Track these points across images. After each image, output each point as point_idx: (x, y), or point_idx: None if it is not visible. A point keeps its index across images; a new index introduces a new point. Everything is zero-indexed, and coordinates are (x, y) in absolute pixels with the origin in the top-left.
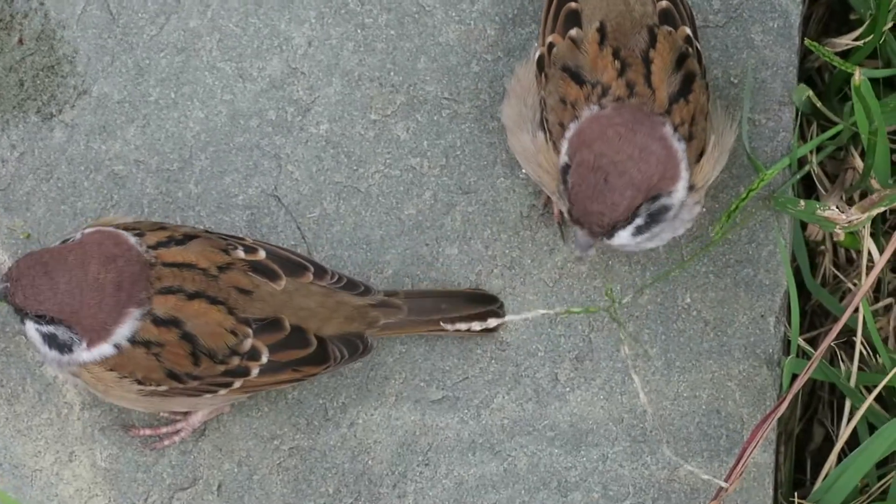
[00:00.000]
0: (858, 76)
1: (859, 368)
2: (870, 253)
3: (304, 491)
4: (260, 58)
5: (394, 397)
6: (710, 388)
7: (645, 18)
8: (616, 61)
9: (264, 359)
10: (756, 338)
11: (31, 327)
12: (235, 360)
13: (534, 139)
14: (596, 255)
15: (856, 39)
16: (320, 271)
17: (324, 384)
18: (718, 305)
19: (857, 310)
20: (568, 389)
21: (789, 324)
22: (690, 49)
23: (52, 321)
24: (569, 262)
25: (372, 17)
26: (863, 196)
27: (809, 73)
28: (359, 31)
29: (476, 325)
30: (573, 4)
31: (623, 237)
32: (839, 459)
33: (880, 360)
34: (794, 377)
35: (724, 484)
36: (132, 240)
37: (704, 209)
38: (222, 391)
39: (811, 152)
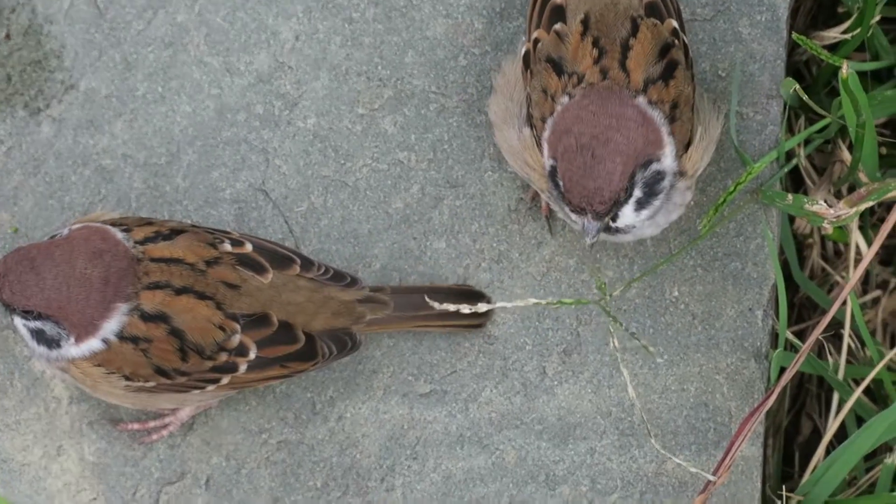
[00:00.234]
0: (846, 69)
1: (847, 361)
2: (858, 246)
3: (293, 485)
4: (247, 52)
5: (382, 391)
6: (698, 381)
7: (630, 10)
8: (594, 50)
9: (252, 355)
10: (744, 331)
11: (19, 322)
12: (223, 356)
13: (520, 135)
14: (582, 251)
15: (843, 32)
16: (307, 264)
17: (311, 378)
18: (706, 299)
19: (845, 302)
20: (556, 383)
21: (777, 317)
22: (677, 41)
23: (39, 316)
24: (557, 255)
25: (359, 12)
26: (851, 189)
27: (797, 66)
28: (346, 25)
29: (465, 308)
30: (558, 0)
31: (627, 215)
32: (827, 452)
33: (868, 353)
34: (782, 370)
35: (712, 477)
36: (119, 235)
37: (693, 201)
38: (210, 387)
39: (799, 145)
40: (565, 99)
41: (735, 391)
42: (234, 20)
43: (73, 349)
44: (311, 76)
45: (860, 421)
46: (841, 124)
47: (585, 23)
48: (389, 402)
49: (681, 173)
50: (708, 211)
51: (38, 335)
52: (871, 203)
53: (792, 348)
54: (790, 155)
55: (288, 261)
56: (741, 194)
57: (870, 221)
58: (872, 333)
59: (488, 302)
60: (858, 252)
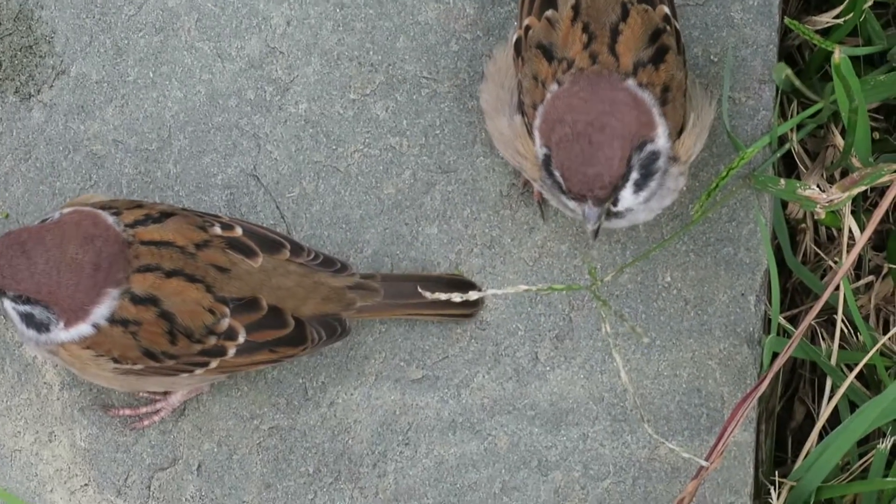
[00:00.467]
0: (838, 54)
1: (840, 347)
2: (850, 231)
3: (284, 470)
4: (238, 37)
5: (374, 377)
6: (691, 366)
7: None
8: (584, 35)
9: (241, 339)
10: (736, 316)
11: (9, 306)
12: (212, 340)
13: (511, 123)
14: (574, 236)
15: (836, 17)
16: (297, 249)
17: (303, 364)
18: (699, 284)
19: (837, 288)
20: (548, 368)
21: (770, 302)
22: (668, 27)
23: (29, 301)
24: (549, 240)
25: None
26: (844, 174)
27: (790, 51)
28: (337, 10)
29: (456, 297)
30: None
31: (627, 198)
32: (820, 438)
33: (861, 339)
34: (775, 356)
35: (704, 462)
36: (110, 219)
37: (686, 187)
38: (199, 371)
39: (791, 130)
40: (555, 86)
41: (727, 376)
42: (226, 5)
43: (62, 333)
44: (302, 61)
45: (853, 406)
46: (833, 109)
47: (576, 8)
48: (381, 387)
49: (674, 159)
50: (700, 196)
51: (28, 319)
52: (863, 188)
53: (784, 334)
54: (783, 140)
55: (278, 245)
56: (733, 179)
57: (862, 206)
58: (865, 319)
59: (479, 291)
60: (851, 237)
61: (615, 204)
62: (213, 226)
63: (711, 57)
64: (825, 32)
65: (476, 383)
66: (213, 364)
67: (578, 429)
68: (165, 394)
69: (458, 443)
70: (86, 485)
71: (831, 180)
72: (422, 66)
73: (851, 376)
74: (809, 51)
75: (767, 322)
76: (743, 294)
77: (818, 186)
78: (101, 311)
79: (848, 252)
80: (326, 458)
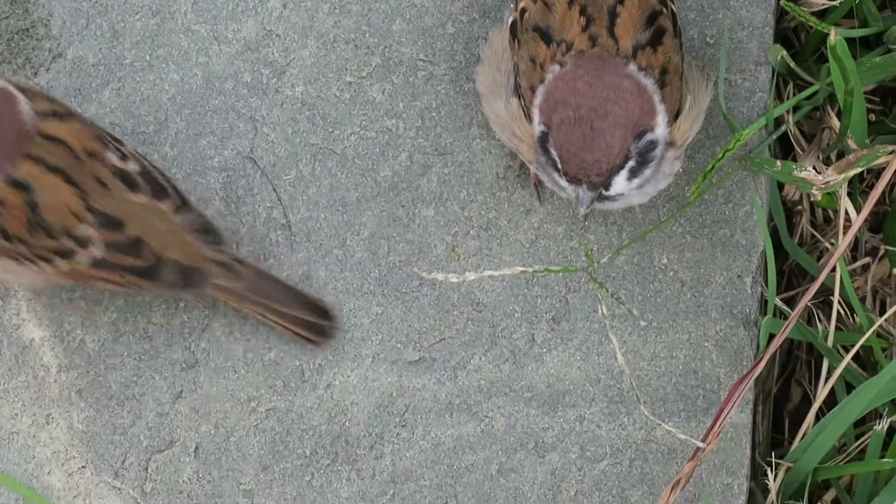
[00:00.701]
0: (834, 36)
1: (837, 328)
2: (847, 213)
3: (282, 452)
4: (235, 20)
5: (370, 359)
6: (687, 348)
7: None
8: (582, 17)
9: (97, 252)
10: (733, 298)
11: None
12: (69, 243)
13: (507, 106)
14: (571, 219)
15: None
16: (185, 207)
17: (300, 345)
18: (695, 266)
19: (834, 269)
20: (545, 350)
21: (766, 284)
22: (665, 10)
23: None
24: (545, 223)
25: None
26: (840, 156)
27: (786, 32)
28: None
29: (303, 332)
30: None
31: (620, 184)
32: (817, 419)
33: (857, 320)
34: (772, 337)
35: (701, 444)
36: (24, 105)
37: (682, 169)
38: (47, 267)
39: (788, 112)
40: (556, 67)
41: (724, 358)
42: None
43: None
44: (298, 44)
45: (850, 388)
46: (829, 91)
47: None
48: (378, 369)
49: (671, 144)
50: (696, 178)
51: None
52: (859, 169)
53: (781, 315)
54: (779, 122)
55: (165, 193)
56: (730, 161)
57: (859, 188)
58: (862, 300)
59: (332, 326)
60: (848, 219)
61: (607, 188)
62: (110, 149)
63: (707, 39)
64: (821, 14)
65: (473, 365)
66: (64, 267)
67: (575, 410)
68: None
69: (455, 425)
70: (83, 467)
71: (827, 162)
72: (418, 49)
73: (848, 358)
74: (805, 33)
75: (764, 303)
76: (739, 276)
77: (814, 168)
78: None
79: (844, 234)
80: (323, 439)
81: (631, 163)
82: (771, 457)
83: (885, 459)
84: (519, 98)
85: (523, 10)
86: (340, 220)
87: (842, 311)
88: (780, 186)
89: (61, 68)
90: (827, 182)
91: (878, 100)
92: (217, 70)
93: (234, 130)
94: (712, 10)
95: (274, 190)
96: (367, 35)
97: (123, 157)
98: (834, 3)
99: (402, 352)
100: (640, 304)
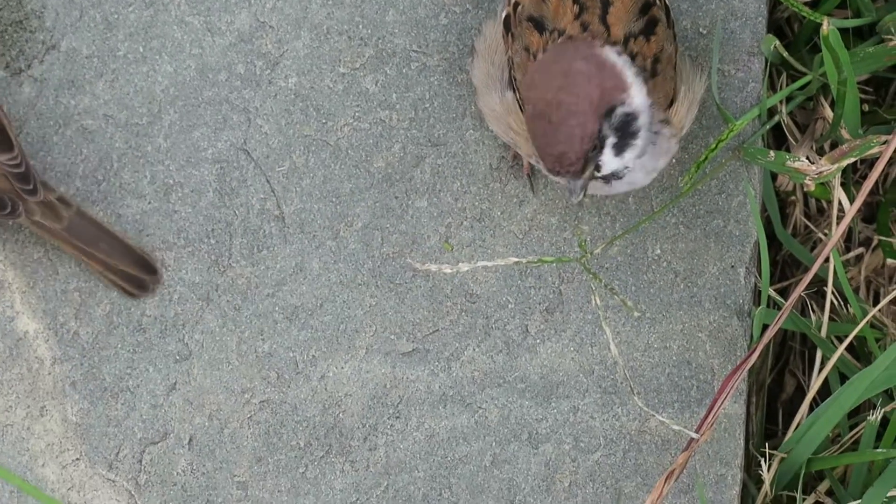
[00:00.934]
0: (827, 26)
1: (830, 318)
2: (840, 203)
3: (275, 444)
4: (228, 11)
5: (364, 350)
6: (681, 338)
7: None
8: (575, 6)
9: None
10: (726, 288)
11: None
12: None
13: (502, 99)
14: (564, 209)
15: None
16: (6, 146)
17: (294, 337)
18: (688, 256)
19: (827, 260)
20: (538, 341)
21: (759, 274)
22: (658, 1)
23: None
24: (539, 213)
25: None
26: (833, 146)
27: (779, 23)
28: None
29: (122, 283)
30: None
31: (610, 162)
32: (811, 410)
33: (851, 310)
34: (765, 327)
35: (695, 435)
36: None
37: (676, 159)
38: None
39: (781, 102)
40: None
41: (718, 348)
42: None
43: None
44: (292, 35)
45: (843, 378)
46: (823, 81)
47: None
48: (372, 361)
49: (666, 121)
50: (690, 168)
51: None
52: (852, 160)
53: (774, 306)
54: (772, 112)
55: None
56: (723, 151)
57: (852, 178)
58: (855, 290)
59: (155, 281)
60: (841, 209)
61: (598, 170)
62: None
63: (700, 29)
64: (814, 4)
65: (466, 356)
66: None
67: (569, 401)
68: None
69: (449, 416)
70: (77, 459)
71: (821, 152)
72: (411, 40)
73: (842, 348)
74: (798, 23)
75: (757, 294)
76: (733, 266)
77: (807, 158)
78: None
79: (838, 224)
80: (317, 431)
81: (611, 139)
82: (765, 447)
83: (878, 450)
84: (514, 91)
85: (516, 4)
86: (334, 212)
87: (835, 302)
88: (774, 177)
89: (55, 60)
90: (820, 172)
91: (871, 90)
92: (210, 61)
93: (227, 122)
94: (705, 0)
95: (267, 181)
96: (361, 26)
97: None
98: None
99: (396, 343)
100: (633, 294)
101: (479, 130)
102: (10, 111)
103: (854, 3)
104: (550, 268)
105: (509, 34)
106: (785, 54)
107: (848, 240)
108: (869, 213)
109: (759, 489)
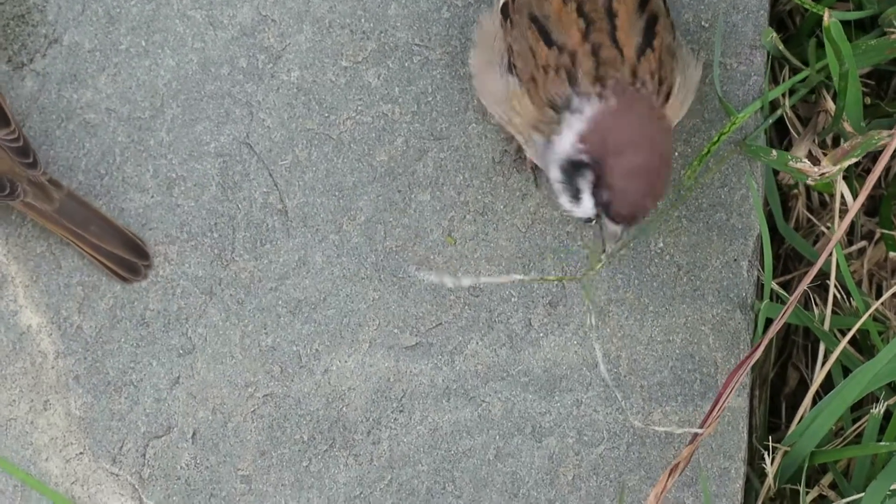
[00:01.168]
0: (828, 18)
1: (833, 312)
2: (843, 197)
3: (279, 438)
4: (230, 5)
5: (367, 344)
6: (684, 332)
7: None
8: (580, 19)
9: None
10: (729, 282)
11: None
12: None
13: (504, 82)
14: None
15: None
16: (2, 119)
17: (297, 331)
18: (691, 250)
19: (830, 253)
20: (542, 335)
21: (762, 267)
22: None
23: None
24: (542, 207)
25: None
26: (836, 139)
27: (781, 16)
28: None
29: (113, 266)
30: None
31: None
32: (814, 403)
33: (854, 304)
34: (769, 321)
35: (699, 430)
36: None
37: (677, 153)
38: None
39: (783, 95)
40: (591, 101)
41: (721, 342)
42: None
43: None
44: (294, 29)
45: (846, 372)
46: (825, 74)
47: None
48: (375, 354)
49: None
50: (692, 162)
51: None
52: (854, 159)
53: (777, 299)
54: (774, 105)
55: None
56: (725, 145)
57: (855, 172)
58: (858, 284)
59: (147, 265)
60: (844, 203)
61: None
62: None
63: (702, 23)
64: None
65: (470, 350)
66: None
67: (572, 395)
68: None
69: (453, 409)
70: (81, 453)
71: (823, 146)
72: (413, 34)
73: (844, 341)
74: (801, 16)
75: (760, 287)
76: (735, 259)
77: (810, 152)
78: None
79: (840, 218)
80: (321, 425)
81: None
82: (768, 441)
83: (881, 443)
84: (516, 77)
85: None
86: (337, 206)
87: (838, 295)
88: (776, 170)
89: (57, 54)
90: (822, 174)
91: (873, 83)
92: (213, 55)
93: (230, 116)
94: None
95: (270, 175)
96: (363, 20)
97: None
98: None
99: (399, 337)
100: (636, 288)
101: (482, 124)
102: (12, 104)
103: None
104: (554, 262)
105: (508, 21)
106: (781, 46)
107: (850, 233)
108: (871, 207)
109: (762, 482)
